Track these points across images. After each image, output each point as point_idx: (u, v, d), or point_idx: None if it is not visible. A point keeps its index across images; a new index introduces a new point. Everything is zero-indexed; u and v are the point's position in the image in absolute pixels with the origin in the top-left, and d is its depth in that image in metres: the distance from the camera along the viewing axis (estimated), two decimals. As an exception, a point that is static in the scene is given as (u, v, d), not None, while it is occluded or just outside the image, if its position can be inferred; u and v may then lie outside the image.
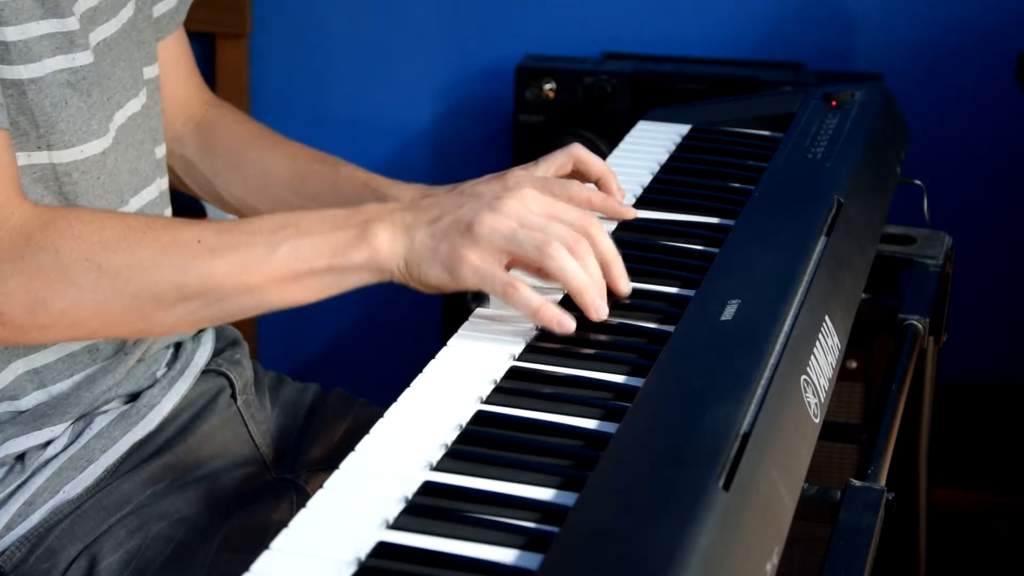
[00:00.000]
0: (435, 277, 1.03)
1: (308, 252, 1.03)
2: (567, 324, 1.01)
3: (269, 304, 1.05)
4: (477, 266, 1.02)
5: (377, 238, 1.03)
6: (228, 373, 1.29)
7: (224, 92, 2.52)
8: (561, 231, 1.03)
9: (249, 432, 1.28)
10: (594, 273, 1.04)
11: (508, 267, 1.05)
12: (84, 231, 1.03)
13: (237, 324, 1.30)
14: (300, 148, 1.38)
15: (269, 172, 1.36)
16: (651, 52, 2.40)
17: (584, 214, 1.06)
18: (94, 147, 1.12)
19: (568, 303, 1.04)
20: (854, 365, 1.99)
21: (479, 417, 0.92)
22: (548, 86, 2.28)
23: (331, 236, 1.04)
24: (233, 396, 1.29)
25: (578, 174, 1.23)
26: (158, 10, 1.30)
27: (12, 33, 1.05)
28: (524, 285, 1.02)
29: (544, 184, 1.15)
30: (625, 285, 1.07)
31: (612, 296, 1.06)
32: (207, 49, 2.55)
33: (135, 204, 1.19)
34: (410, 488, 0.83)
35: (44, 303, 1.02)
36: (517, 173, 1.17)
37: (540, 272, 1.05)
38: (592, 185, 1.23)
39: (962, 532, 2.23)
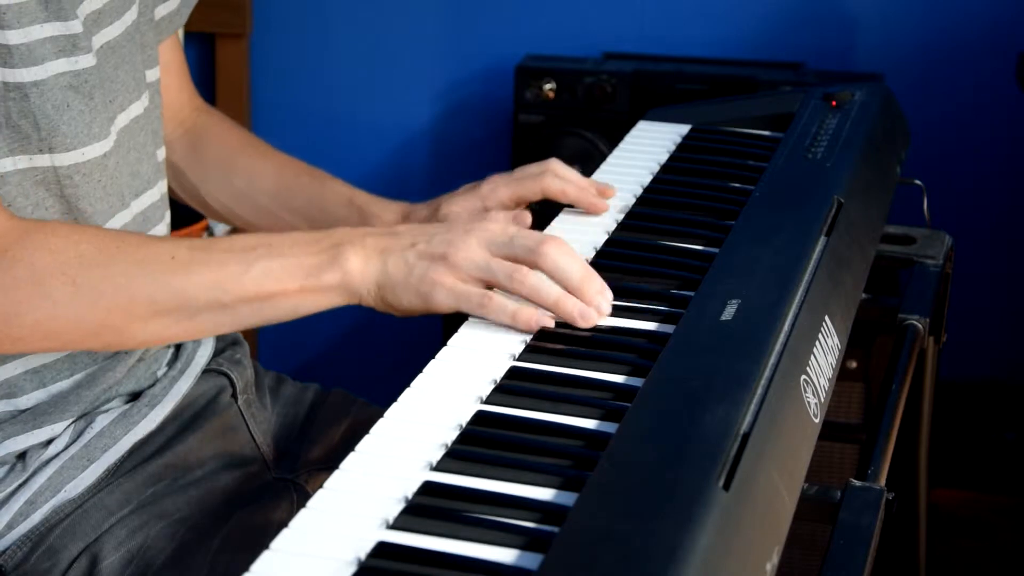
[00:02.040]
0: (407, 302, 1.05)
1: (281, 272, 1.05)
2: (544, 321, 1.03)
3: (241, 322, 1.07)
4: (451, 287, 1.04)
5: (348, 262, 1.05)
6: (229, 373, 1.29)
7: (224, 92, 2.52)
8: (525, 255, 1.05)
9: (250, 432, 1.28)
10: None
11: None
12: (60, 245, 1.03)
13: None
14: (288, 160, 1.39)
15: (255, 181, 1.37)
16: (651, 52, 2.40)
17: (547, 237, 1.06)
18: (95, 150, 1.12)
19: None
20: (854, 365, 1.99)
21: (479, 417, 0.92)
22: (548, 86, 2.28)
23: (303, 259, 1.05)
24: (234, 396, 1.29)
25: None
26: (159, 12, 1.30)
27: (15, 36, 1.05)
28: (497, 295, 1.04)
29: (518, 181, 1.25)
30: (605, 306, 1.05)
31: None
32: (207, 49, 2.55)
33: (136, 207, 1.19)
34: (410, 488, 0.83)
35: (18, 316, 1.02)
36: (492, 177, 1.26)
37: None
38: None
39: (962, 532, 2.23)
